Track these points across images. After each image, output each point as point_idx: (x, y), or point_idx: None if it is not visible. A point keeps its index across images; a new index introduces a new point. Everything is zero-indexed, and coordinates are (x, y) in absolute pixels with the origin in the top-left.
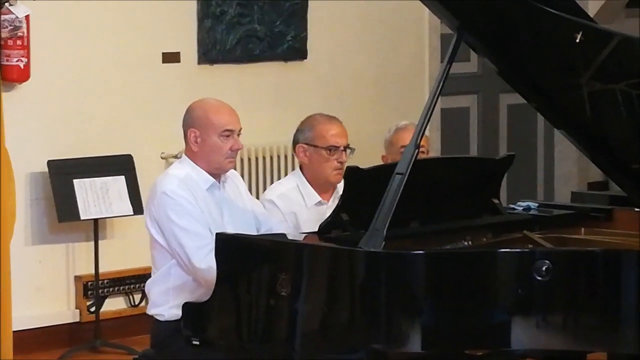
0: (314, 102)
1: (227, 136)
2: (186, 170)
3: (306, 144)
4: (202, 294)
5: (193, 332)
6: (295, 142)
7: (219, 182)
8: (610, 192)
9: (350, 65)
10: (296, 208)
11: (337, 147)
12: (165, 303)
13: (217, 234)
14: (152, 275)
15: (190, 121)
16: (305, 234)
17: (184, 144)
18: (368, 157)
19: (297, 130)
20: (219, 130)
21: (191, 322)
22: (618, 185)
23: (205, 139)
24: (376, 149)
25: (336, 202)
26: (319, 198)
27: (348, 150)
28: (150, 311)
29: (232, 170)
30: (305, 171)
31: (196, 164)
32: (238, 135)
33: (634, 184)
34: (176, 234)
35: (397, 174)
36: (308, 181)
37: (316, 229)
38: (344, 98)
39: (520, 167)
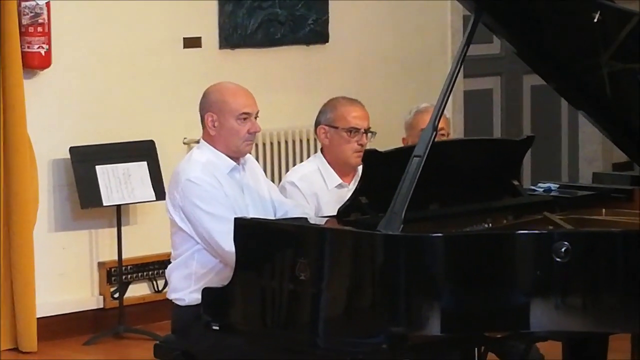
0: (336, 86)
1: (245, 119)
2: (207, 155)
3: (327, 125)
4: (224, 279)
5: (213, 317)
6: (317, 124)
7: (239, 165)
8: (631, 173)
9: (372, 48)
10: (317, 190)
11: (357, 129)
12: (186, 288)
13: (235, 218)
14: (172, 260)
15: (207, 105)
16: (323, 218)
17: (202, 128)
18: (390, 139)
19: (320, 112)
20: (236, 114)
21: (211, 307)
22: (639, 165)
23: (223, 123)
24: (399, 131)
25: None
26: (340, 180)
27: (369, 134)
28: (171, 296)
29: (248, 155)
30: (326, 153)
31: (215, 148)
32: (255, 118)
33: None
34: (203, 220)
35: (415, 156)
36: (329, 163)
37: (336, 212)
38: (366, 81)
39: (545, 148)
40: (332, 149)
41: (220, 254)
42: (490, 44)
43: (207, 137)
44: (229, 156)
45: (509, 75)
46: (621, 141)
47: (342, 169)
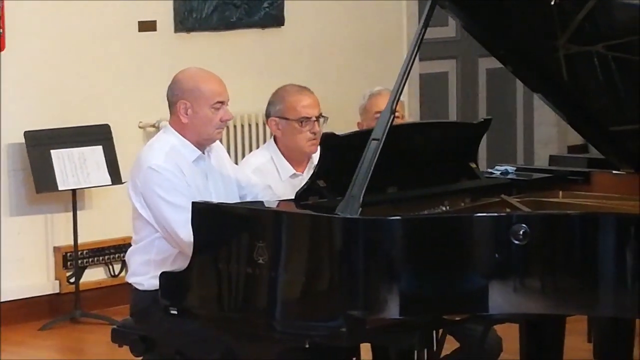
0: (292, 69)
1: (218, 108)
2: (171, 142)
3: (278, 117)
4: (182, 266)
5: (171, 301)
6: (267, 116)
7: (204, 153)
8: (588, 155)
9: (328, 32)
10: (271, 181)
11: (308, 118)
12: (145, 273)
13: (193, 203)
14: (132, 244)
15: (180, 92)
16: (281, 201)
17: (170, 114)
18: (347, 123)
19: (269, 103)
20: (210, 102)
21: (169, 291)
22: (595, 148)
23: (197, 111)
24: (355, 115)
25: (311, 172)
26: (293, 170)
27: (321, 119)
28: (130, 279)
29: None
30: (279, 143)
31: (183, 135)
32: (226, 105)
33: (611, 147)
34: (163, 208)
35: (373, 139)
36: (282, 153)
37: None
38: (322, 65)
39: (500, 131)
40: (286, 140)
41: (178, 243)
42: (445, 27)
43: (176, 124)
44: (197, 144)
45: (465, 58)
46: (577, 123)
47: (296, 158)
